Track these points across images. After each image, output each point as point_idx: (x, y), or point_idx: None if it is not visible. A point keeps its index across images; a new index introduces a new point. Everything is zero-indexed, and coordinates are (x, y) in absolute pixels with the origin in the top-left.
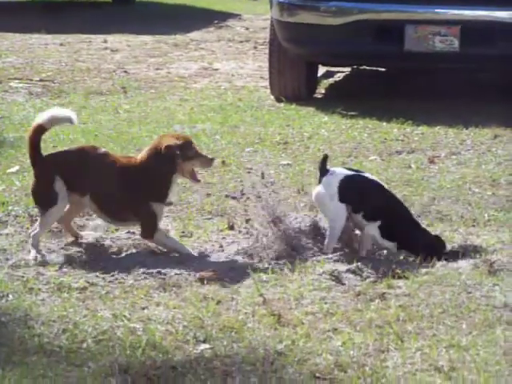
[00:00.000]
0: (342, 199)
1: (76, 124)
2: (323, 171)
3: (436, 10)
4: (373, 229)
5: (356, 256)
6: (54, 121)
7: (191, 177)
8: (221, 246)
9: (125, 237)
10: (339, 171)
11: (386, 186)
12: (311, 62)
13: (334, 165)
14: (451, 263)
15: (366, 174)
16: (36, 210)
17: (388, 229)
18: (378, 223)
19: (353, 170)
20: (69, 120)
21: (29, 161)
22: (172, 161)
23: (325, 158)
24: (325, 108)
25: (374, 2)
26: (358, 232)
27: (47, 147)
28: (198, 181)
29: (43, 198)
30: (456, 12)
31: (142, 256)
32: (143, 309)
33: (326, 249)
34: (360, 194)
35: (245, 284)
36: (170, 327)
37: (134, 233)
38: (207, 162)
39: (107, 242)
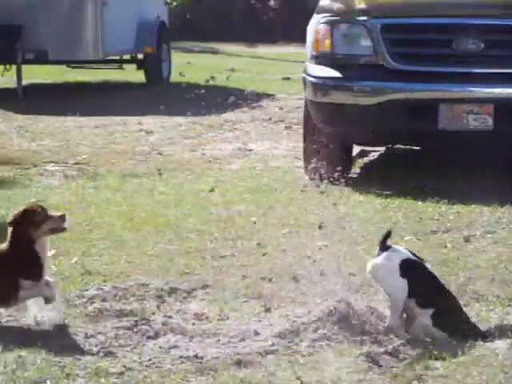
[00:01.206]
0: (402, 275)
1: None
2: (384, 246)
3: (469, 89)
4: (426, 318)
5: (392, 337)
6: None
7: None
8: (257, 329)
9: (161, 321)
10: (402, 250)
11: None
12: (346, 142)
13: (370, 246)
14: (488, 343)
15: (427, 264)
16: (73, 294)
17: (440, 318)
18: (431, 311)
19: (413, 253)
20: None
21: (64, 245)
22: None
23: (388, 234)
24: (360, 188)
25: (407, 82)
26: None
27: (83, 230)
28: (64, 229)
29: None
30: (489, 90)
31: (179, 340)
32: None
33: (389, 323)
34: (418, 278)
35: (282, 367)
36: None
37: (170, 317)
38: (58, 221)
39: (144, 327)
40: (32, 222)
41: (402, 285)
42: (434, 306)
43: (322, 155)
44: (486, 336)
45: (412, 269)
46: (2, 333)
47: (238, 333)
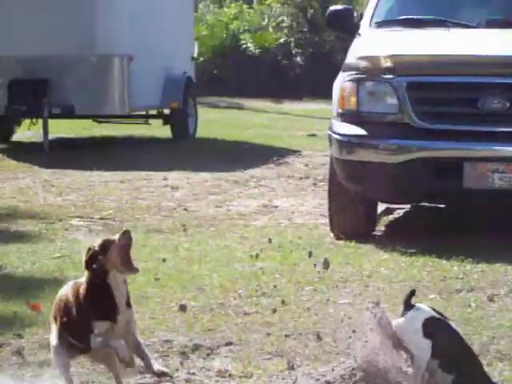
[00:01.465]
0: (426, 336)
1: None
2: (408, 306)
3: (494, 148)
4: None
5: None
6: None
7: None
8: None
9: (184, 378)
10: (426, 309)
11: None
12: (371, 200)
13: (395, 304)
14: None
15: (451, 323)
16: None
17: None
18: (453, 376)
19: (439, 313)
20: None
21: None
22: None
23: (412, 293)
24: (384, 245)
25: (432, 140)
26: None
27: None
28: (136, 269)
29: None
30: None
31: None
32: None
33: (412, 383)
34: (442, 339)
35: None
36: None
37: (194, 373)
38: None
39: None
40: (100, 247)
41: (425, 345)
42: (456, 371)
43: (347, 212)
44: None
45: (436, 329)
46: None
47: None
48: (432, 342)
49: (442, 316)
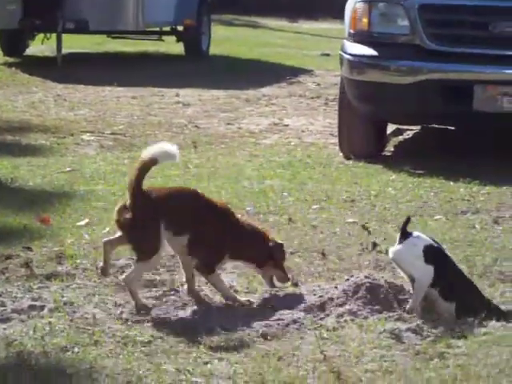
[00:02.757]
0: (427, 262)
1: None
2: (405, 233)
3: (504, 71)
4: (450, 310)
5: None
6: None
7: (269, 281)
8: (284, 303)
9: (203, 288)
10: (425, 237)
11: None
12: (380, 120)
13: (400, 224)
14: (510, 324)
15: (447, 252)
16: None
17: (463, 308)
18: (454, 304)
19: (435, 241)
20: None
21: (98, 214)
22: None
23: (408, 220)
24: (393, 166)
25: (443, 62)
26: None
27: (116, 200)
28: (274, 286)
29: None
30: None
31: (206, 311)
32: (206, 363)
33: (410, 308)
34: (441, 267)
35: (306, 341)
36: (232, 382)
37: (199, 286)
38: (285, 277)
39: (173, 297)
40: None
41: (427, 270)
42: (456, 298)
43: (356, 133)
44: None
45: (436, 256)
46: (36, 300)
47: (265, 306)
48: (434, 268)
49: (438, 244)
